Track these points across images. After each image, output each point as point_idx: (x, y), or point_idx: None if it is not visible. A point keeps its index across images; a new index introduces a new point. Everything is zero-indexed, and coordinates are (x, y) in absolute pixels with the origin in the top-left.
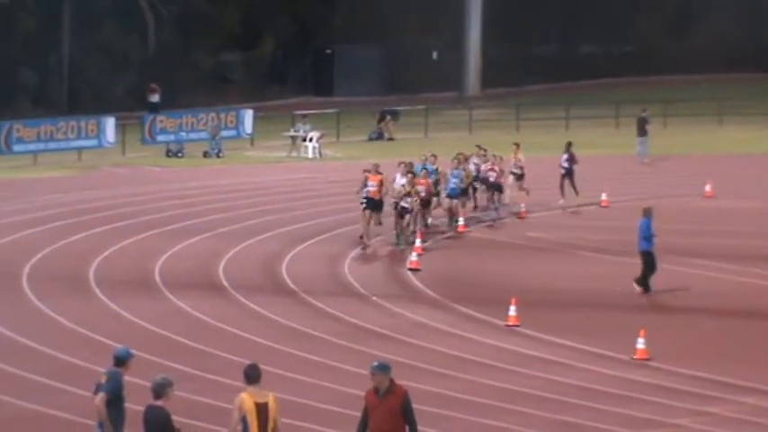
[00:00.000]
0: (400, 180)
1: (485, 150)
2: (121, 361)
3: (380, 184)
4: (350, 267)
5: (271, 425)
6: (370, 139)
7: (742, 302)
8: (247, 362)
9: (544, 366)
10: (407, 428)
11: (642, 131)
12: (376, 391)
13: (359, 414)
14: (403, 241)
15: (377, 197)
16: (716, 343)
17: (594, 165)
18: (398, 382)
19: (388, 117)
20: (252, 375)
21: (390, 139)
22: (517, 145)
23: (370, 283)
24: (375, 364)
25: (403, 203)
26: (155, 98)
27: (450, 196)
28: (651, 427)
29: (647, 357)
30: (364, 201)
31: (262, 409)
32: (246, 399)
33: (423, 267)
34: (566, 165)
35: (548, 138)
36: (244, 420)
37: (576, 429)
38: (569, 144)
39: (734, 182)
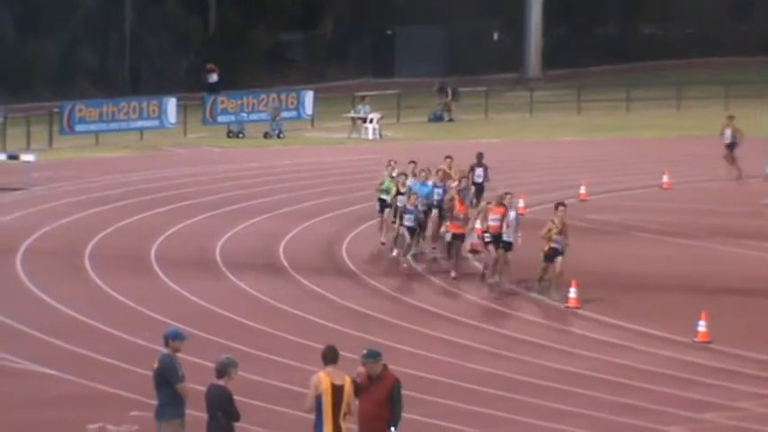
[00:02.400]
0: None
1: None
2: (168, 340)
3: (503, 217)
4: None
5: (344, 408)
6: (430, 120)
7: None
8: (307, 342)
9: (604, 348)
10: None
11: None
12: (370, 376)
13: (419, 395)
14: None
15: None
16: None
17: (656, 146)
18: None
19: (450, 92)
20: (329, 356)
21: (451, 120)
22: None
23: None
24: (365, 351)
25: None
26: (213, 78)
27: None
28: (714, 410)
29: (708, 340)
30: (489, 237)
31: (338, 391)
32: (324, 378)
33: (483, 249)
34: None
35: (609, 119)
36: (318, 399)
37: (636, 411)
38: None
39: None
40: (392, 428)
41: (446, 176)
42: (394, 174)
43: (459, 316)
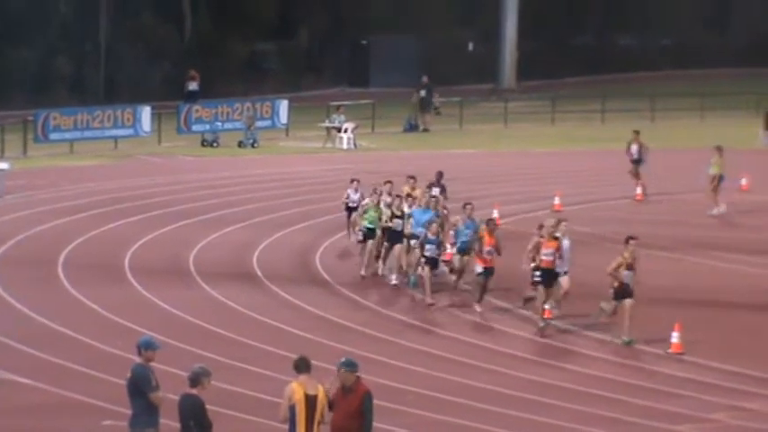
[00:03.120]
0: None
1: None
2: (140, 349)
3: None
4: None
5: (318, 417)
6: (405, 131)
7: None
8: (280, 351)
9: (577, 361)
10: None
11: None
12: (342, 387)
13: (397, 407)
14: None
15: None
16: (752, 338)
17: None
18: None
19: (434, 108)
20: (302, 366)
21: (425, 130)
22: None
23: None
24: (342, 360)
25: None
26: (193, 86)
27: (460, 251)
28: (688, 421)
29: (681, 351)
30: (539, 276)
31: (311, 401)
32: (297, 389)
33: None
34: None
35: (583, 131)
36: (292, 410)
37: (610, 423)
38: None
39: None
40: None
41: (409, 198)
42: (386, 200)
43: (435, 327)
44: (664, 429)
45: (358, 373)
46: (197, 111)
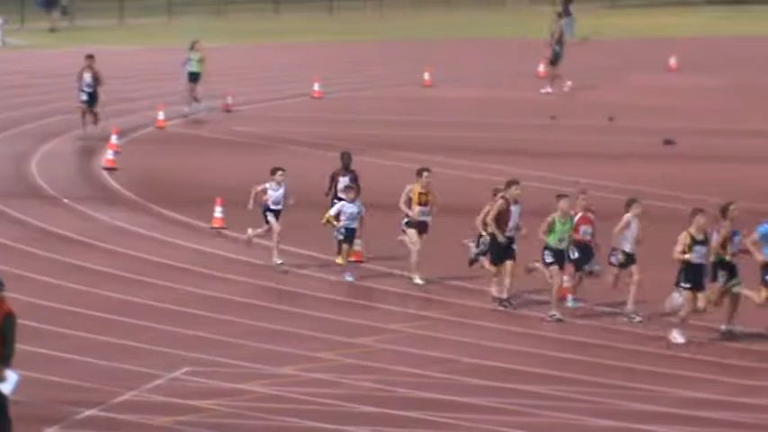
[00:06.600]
0: None
1: None
2: None
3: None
4: (38, 167)
5: None
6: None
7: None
8: None
9: (249, 271)
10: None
11: (567, 12)
12: None
13: (48, 327)
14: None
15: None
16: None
17: (306, 53)
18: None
19: (61, 6)
20: None
21: (53, 30)
22: None
23: (61, 183)
24: None
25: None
26: None
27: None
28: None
29: (362, 260)
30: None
31: None
32: None
33: (119, 166)
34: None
35: (255, 24)
36: None
37: (283, 336)
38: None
39: (454, 69)
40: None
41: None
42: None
43: (94, 240)
44: (344, 342)
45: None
46: None
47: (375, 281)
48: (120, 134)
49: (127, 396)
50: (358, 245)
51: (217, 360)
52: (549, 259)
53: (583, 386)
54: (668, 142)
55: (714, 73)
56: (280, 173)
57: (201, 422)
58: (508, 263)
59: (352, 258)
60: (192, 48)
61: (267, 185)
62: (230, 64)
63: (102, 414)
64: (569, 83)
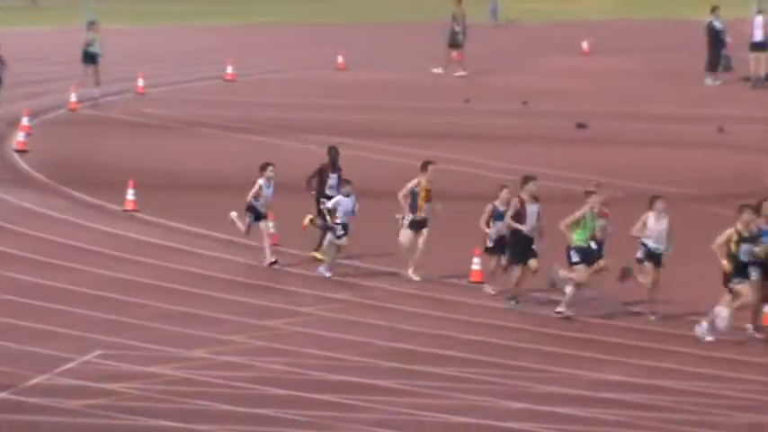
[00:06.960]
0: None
1: None
2: None
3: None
4: None
5: None
6: None
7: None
8: None
9: (161, 254)
10: None
11: None
12: None
13: None
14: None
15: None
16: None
17: (220, 36)
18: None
19: None
20: None
21: None
22: None
23: None
24: None
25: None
26: None
27: None
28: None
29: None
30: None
31: None
32: None
33: (30, 148)
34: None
35: (167, 5)
36: None
37: (194, 319)
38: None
39: (368, 53)
40: None
41: None
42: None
43: (2, 222)
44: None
45: None
46: None
47: (287, 264)
48: (32, 116)
49: (38, 379)
50: (271, 227)
51: (128, 343)
52: (575, 258)
53: (494, 368)
54: (580, 126)
55: (627, 56)
56: (270, 168)
57: (113, 405)
58: (532, 261)
59: (273, 242)
60: (89, 28)
61: (260, 182)
62: (142, 46)
63: (13, 397)
64: (463, 72)
